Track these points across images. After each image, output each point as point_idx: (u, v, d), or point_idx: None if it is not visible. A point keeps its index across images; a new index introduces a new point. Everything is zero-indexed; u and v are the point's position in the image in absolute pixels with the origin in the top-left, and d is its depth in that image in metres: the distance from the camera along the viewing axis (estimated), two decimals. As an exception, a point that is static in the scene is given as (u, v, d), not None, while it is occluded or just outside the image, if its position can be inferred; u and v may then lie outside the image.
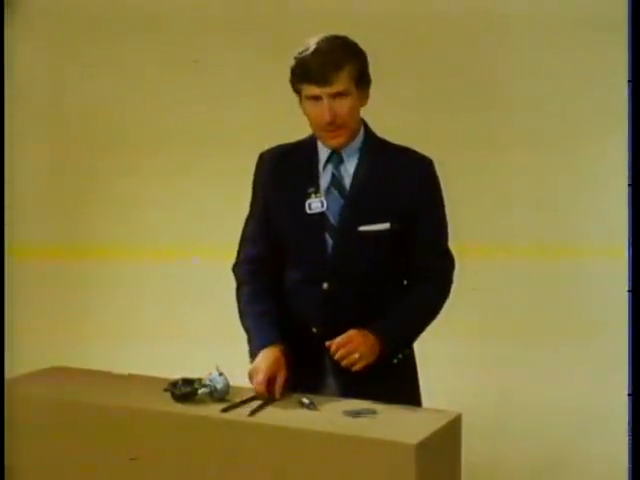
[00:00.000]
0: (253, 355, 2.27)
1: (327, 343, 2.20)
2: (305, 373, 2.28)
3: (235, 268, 2.46)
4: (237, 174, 2.52)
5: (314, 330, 2.30)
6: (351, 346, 2.18)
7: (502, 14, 3.39)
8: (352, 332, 2.19)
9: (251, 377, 2.20)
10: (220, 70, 3.76)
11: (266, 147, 2.46)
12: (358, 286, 2.27)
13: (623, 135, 2.66)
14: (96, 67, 3.97)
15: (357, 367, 2.18)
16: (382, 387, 2.18)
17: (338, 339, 2.18)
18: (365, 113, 2.36)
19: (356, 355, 2.17)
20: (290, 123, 2.37)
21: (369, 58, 2.31)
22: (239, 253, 2.47)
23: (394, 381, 2.27)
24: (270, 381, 2.16)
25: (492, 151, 3.44)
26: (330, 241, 2.29)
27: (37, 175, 4.08)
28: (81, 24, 3.96)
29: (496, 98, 3.44)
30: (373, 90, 2.33)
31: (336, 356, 2.18)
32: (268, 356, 2.21)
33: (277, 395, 2.14)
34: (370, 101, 2.34)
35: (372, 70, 2.32)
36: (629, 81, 2.56)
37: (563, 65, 3.34)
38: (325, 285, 2.26)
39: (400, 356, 2.31)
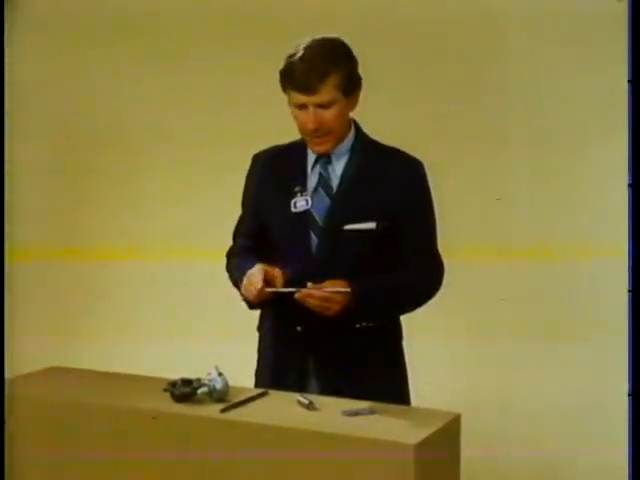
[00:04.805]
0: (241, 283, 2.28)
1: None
2: (289, 373, 2.31)
3: (228, 252, 2.50)
4: (238, 174, 2.52)
5: (298, 329, 2.31)
6: (327, 283, 2.19)
7: (501, 13, 3.39)
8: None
9: (248, 291, 2.23)
10: (219, 69, 3.76)
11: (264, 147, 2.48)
12: None
13: (623, 135, 2.66)
14: (95, 67, 3.97)
15: (328, 306, 2.17)
16: (366, 388, 2.17)
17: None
18: (361, 113, 2.36)
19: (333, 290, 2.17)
20: (288, 124, 2.37)
21: (365, 57, 2.31)
22: (233, 243, 2.51)
23: (379, 383, 2.27)
24: (268, 282, 2.19)
25: (491, 151, 3.44)
26: (315, 240, 2.31)
27: (37, 175, 4.08)
28: (81, 24, 3.96)
29: (495, 98, 3.43)
30: (370, 90, 2.33)
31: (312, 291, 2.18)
32: (258, 267, 2.23)
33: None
34: (367, 101, 2.34)
35: (368, 70, 2.32)
36: (629, 81, 2.56)
37: (563, 64, 3.34)
38: (310, 283, 2.23)
39: (364, 324, 2.29)
